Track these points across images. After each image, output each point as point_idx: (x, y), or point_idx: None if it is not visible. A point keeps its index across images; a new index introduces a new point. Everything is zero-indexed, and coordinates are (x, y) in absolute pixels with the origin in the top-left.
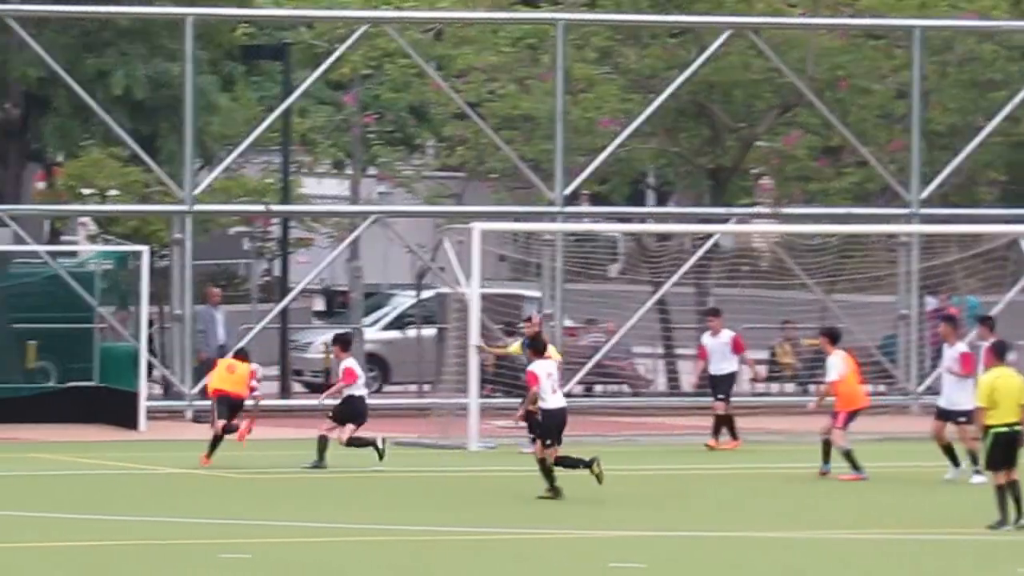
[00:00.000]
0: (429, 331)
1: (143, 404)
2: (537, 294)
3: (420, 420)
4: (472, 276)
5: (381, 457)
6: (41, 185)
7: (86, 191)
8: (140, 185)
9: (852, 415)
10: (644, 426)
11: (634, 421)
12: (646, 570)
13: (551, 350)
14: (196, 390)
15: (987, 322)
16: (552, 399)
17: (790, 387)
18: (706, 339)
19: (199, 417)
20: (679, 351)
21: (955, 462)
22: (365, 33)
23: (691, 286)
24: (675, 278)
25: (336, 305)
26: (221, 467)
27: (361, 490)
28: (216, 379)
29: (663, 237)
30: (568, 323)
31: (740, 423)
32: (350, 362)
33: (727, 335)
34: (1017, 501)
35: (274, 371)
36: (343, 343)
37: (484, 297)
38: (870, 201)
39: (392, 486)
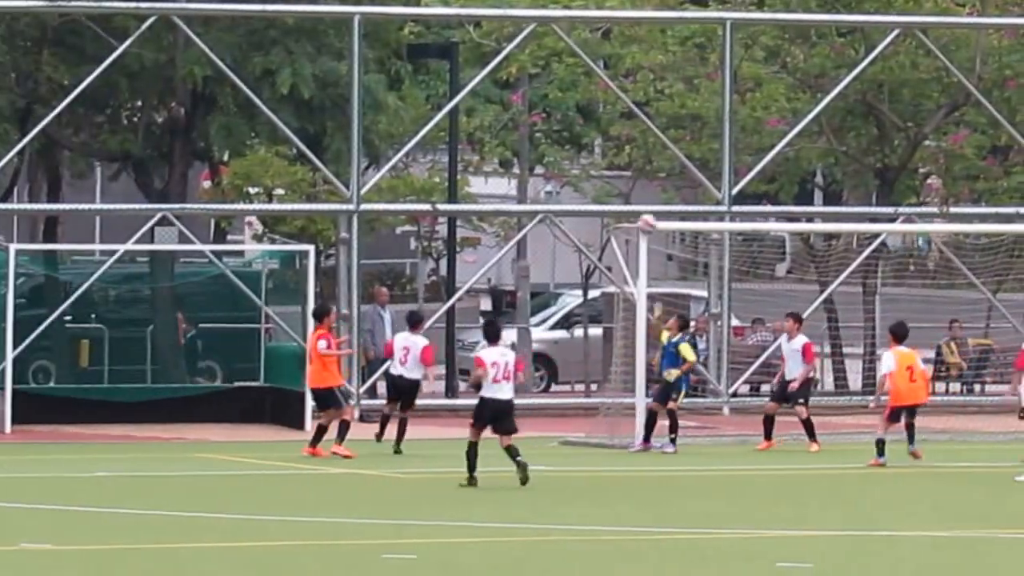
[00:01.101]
0: (596, 330)
1: (309, 404)
2: (704, 294)
3: (587, 419)
4: (639, 275)
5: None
6: (207, 184)
7: (252, 190)
8: (306, 184)
9: (896, 411)
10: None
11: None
12: (813, 570)
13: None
14: (363, 389)
15: None
16: (493, 388)
17: (956, 386)
18: (783, 343)
19: (366, 416)
20: (847, 350)
21: None
22: (533, 32)
23: (858, 285)
24: (842, 277)
25: (503, 305)
26: (386, 467)
27: (527, 489)
28: None
29: (830, 236)
30: (735, 323)
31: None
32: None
33: (800, 341)
34: None
35: (441, 371)
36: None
37: (651, 297)
38: None
39: (559, 485)
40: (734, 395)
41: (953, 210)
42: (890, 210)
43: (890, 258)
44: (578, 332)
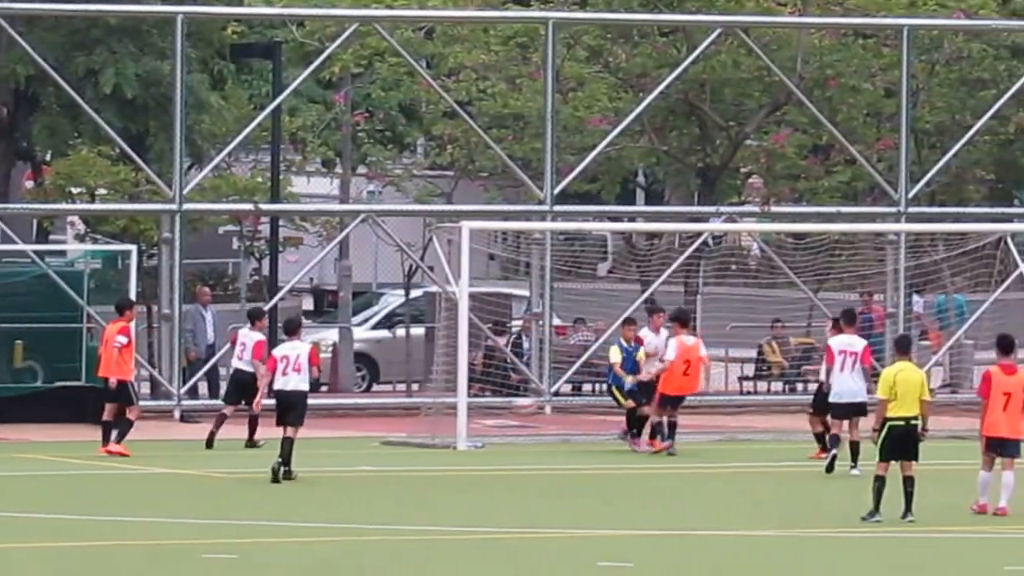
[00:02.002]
0: (418, 330)
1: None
2: (526, 293)
3: (409, 419)
4: (461, 275)
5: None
6: (29, 184)
7: (75, 190)
8: (129, 184)
9: (664, 398)
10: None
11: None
12: (633, 569)
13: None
14: (184, 390)
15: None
16: (281, 380)
17: (777, 385)
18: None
19: (187, 417)
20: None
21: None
22: (355, 31)
23: (680, 285)
24: (664, 277)
25: (325, 304)
26: (204, 468)
27: (347, 489)
28: None
29: (652, 236)
30: (557, 322)
31: (728, 422)
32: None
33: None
34: (909, 496)
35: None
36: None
37: (473, 296)
38: (858, 199)
39: (380, 485)
40: (556, 394)
41: (774, 209)
42: (712, 209)
43: (712, 257)
44: (400, 332)
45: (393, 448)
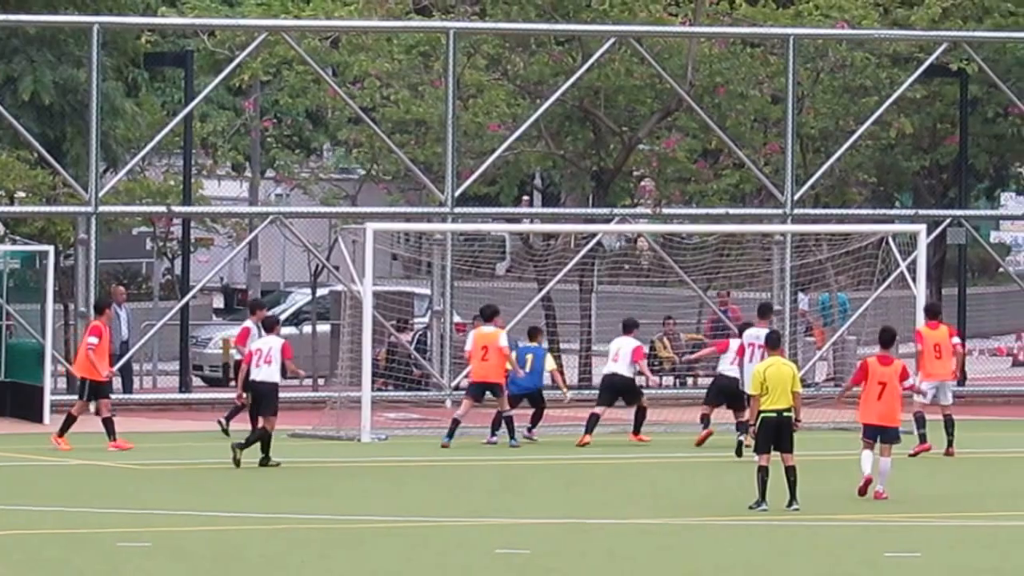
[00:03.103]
0: (324, 327)
1: (48, 398)
2: (427, 292)
3: (315, 412)
4: (365, 274)
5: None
6: None
7: None
8: (47, 187)
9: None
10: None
11: (518, 412)
12: (530, 555)
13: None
14: None
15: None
16: (255, 371)
17: (669, 379)
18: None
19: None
20: (564, 346)
21: None
22: (264, 41)
23: (575, 283)
24: (560, 276)
25: (235, 302)
26: (125, 459)
27: (255, 480)
28: None
29: (548, 237)
30: (457, 319)
31: (623, 415)
32: None
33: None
34: (792, 485)
35: (174, 366)
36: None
37: (376, 295)
38: (746, 202)
39: (288, 476)
40: (456, 388)
41: (665, 211)
42: (606, 211)
43: (606, 257)
44: (307, 328)
45: (300, 440)
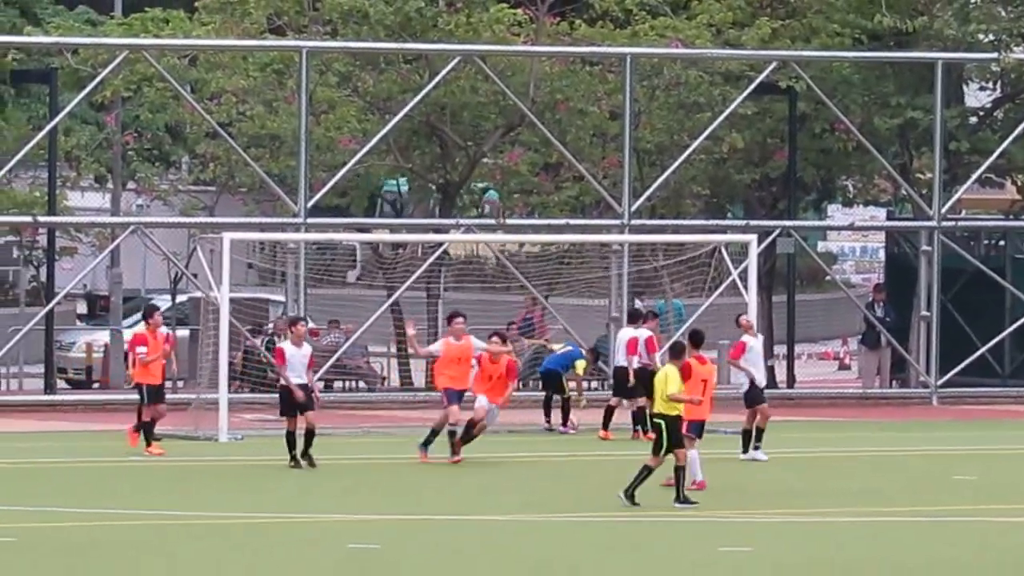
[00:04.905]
0: (183, 332)
1: None
2: (282, 298)
3: (175, 414)
4: (222, 282)
5: None
6: None
7: None
8: None
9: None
10: (379, 419)
11: (370, 414)
12: (380, 550)
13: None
14: None
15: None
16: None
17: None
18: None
19: None
20: (411, 351)
21: None
22: (125, 59)
23: (422, 290)
24: (407, 284)
25: (98, 308)
26: None
27: (114, 478)
28: None
29: (397, 246)
30: (311, 325)
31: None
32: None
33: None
34: (639, 480)
35: (40, 369)
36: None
37: (233, 301)
38: (586, 213)
39: (146, 474)
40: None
41: (509, 222)
42: (451, 222)
43: (452, 265)
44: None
45: (161, 440)
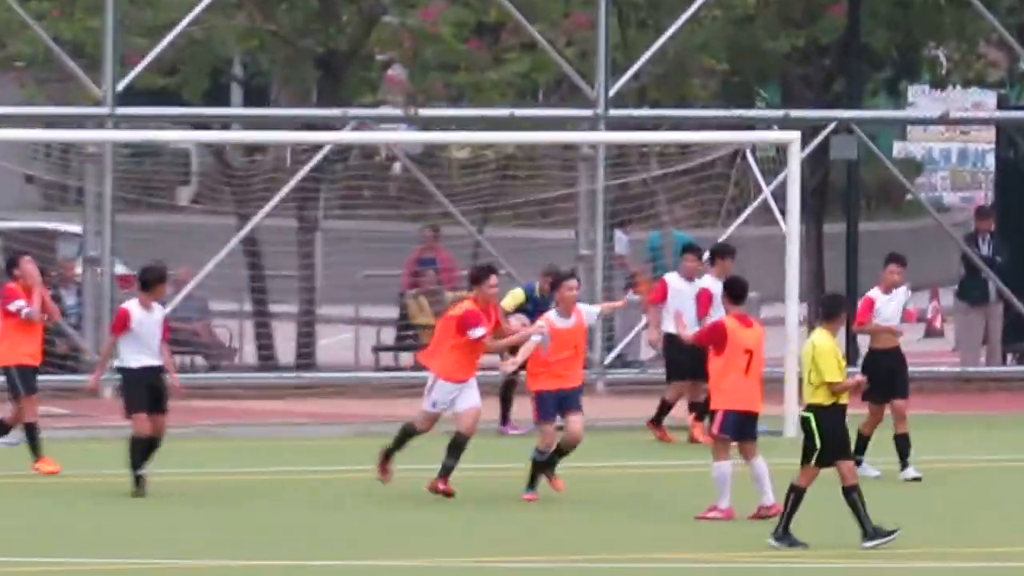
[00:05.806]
0: None
1: None
2: (78, 229)
3: None
4: None
5: None
6: None
7: None
8: None
9: None
10: (225, 412)
11: (211, 405)
12: None
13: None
14: None
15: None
16: None
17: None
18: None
19: None
20: (276, 308)
21: None
22: None
23: (292, 218)
24: (268, 207)
25: None
26: None
27: None
28: None
29: (253, 150)
30: (121, 269)
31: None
32: None
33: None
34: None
35: None
36: None
37: (4, 233)
38: (541, 99)
39: None
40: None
41: (423, 112)
42: (337, 112)
43: (336, 180)
44: None
45: None
